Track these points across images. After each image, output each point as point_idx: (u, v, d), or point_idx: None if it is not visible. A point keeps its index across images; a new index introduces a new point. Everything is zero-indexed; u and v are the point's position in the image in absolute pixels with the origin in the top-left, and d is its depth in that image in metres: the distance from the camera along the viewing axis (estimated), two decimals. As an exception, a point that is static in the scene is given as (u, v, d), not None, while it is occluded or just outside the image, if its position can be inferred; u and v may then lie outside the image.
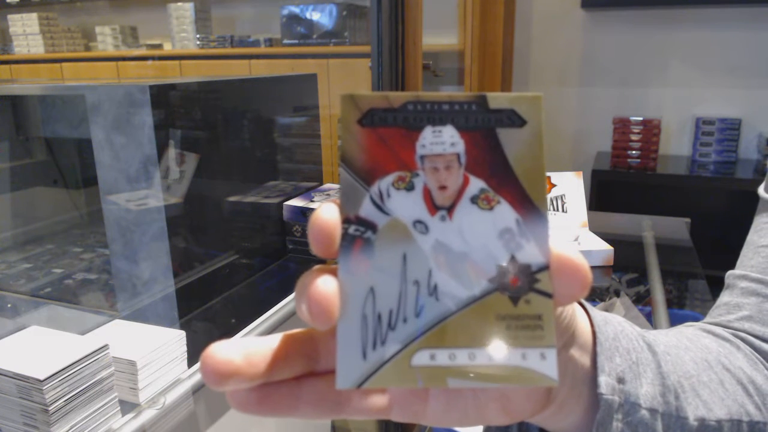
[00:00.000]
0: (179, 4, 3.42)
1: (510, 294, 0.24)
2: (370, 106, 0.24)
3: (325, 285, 0.23)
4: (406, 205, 0.24)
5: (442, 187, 0.24)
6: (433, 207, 0.24)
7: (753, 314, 0.46)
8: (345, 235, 0.23)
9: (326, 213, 0.24)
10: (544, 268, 0.24)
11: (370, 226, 0.24)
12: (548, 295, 0.24)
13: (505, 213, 0.24)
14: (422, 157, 0.24)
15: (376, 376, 0.23)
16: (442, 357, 0.23)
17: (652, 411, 0.34)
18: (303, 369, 0.26)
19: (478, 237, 0.24)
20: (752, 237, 0.52)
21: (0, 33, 4.21)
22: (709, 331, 0.45)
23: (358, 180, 0.24)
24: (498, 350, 0.23)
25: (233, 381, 0.23)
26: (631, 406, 0.33)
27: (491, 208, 0.24)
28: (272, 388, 0.25)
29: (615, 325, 0.35)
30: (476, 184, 0.24)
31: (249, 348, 0.24)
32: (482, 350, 0.23)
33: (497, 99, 0.24)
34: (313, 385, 0.25)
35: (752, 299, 0.47)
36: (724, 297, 0.50)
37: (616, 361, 0.33)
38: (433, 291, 0.24)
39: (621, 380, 0.33)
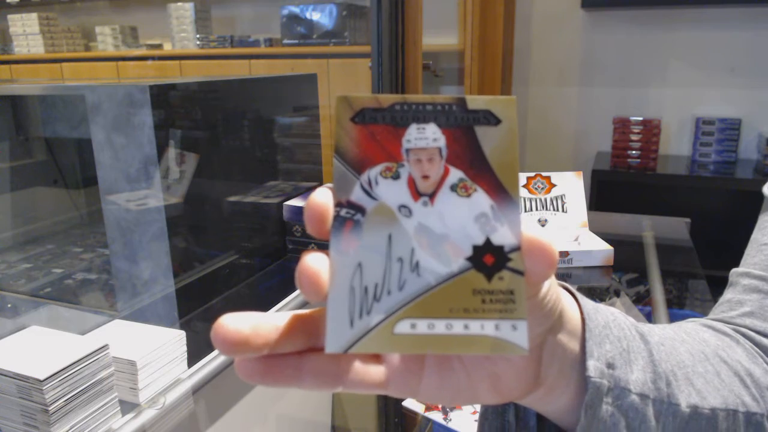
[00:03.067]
0: (179, 4, 3.42)
1: (485, 271, 0.26)
2: (362, 106, 0.27)
3: (314, 261, 0.25)
4: (392, 192, 0.27)
5: (425, 177, 0.27)
6: (416, 194, 0.27)
7: (754, 310, 0.47)
8: (337, 217, 0.26)
9: (320, 196, 0.26)
10: (516, 248, 0.26)
11: (360, 209, 0.26)
12: (520, 273, 0.26)
13: (481, 200, 0.27)
14: (407, 150, 0.27)
15: (361, 342, 0.25)
16: (422, 326, 0.26)
17: (643, 396, 0.35)
18: (305, 344, 0.27)
19: (457, 220, 0.27)
20: (756, 235, 0.53)
21: (0, 33, 4.21)
22: (709, 326, 0.46)
23: (350, 169, 0.27)
24: (473, 321, 0.26)
25: (241, 349, 0.25)
26: (621, 391, 0.34)
27: (469, 195, 0.27)
28: (277, 359, 0.26)
29: (606, 315, 0.36)
30: (456, 174, 0.27)
31: (257, 321, 0.26)
32: (459, 321, 0.26)
33: (475, 101, 0.27)
34: (315, 359, 0.27)
35: (754, 296, 0.48)
36: (727, 294, 0.50)
37: (606, 347, 0.34)
38: (415, 267, 0.26)
39: (611, 365, 0.34)
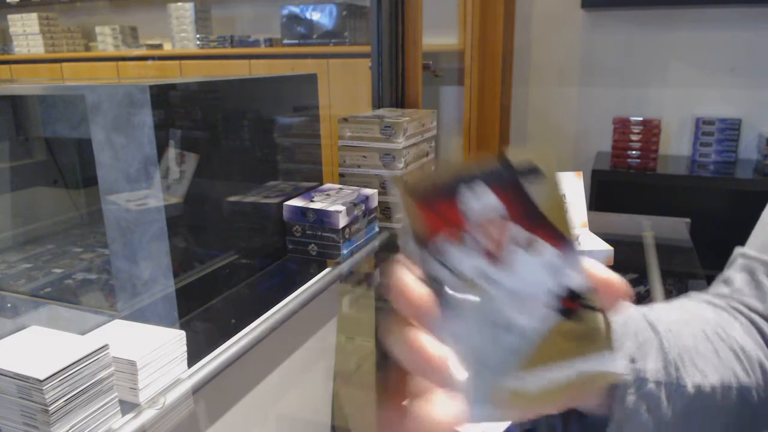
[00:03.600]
0: (179, 4, 3.42)
1: (569, 315, 0.28)
2: (419, 184, 0.28)
3: (436, 348, 0.27)
4: (467, 260, 0.28)
5: (490, 239, 0.28)
6: (488, 257, 0.28)
7: (743, 288, 0.52)
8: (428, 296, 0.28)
9: (409, 282, 0.28)
10: (588, 288, 0.28)
11: (444, 283, 0.28)
12: (598, 309, 0.29)
13: (546, 251, 0.28)
14: (468, 217, 0.28)
15: (489, 407, 0.28)
16: (532, 378, 0.28)
17: (657, 383, 0.40)
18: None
19: (530, 275, 0.28)
20: (764, 216, 0.56)
21: (0, 33, 4.21)
22: (709, 302, 0.52)
23: (424, 247, 0.28)
24: (572, 362, 0.28)
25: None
26: (641, 381, 0.39)
27: (534, 249, 0.28)
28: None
29: (622, 311, 0.40)
30: (517, 231, 0.28)
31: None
32: (560, 365, 0.28)
33: (517, 156, 0.28)
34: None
35: (745, 275, 0.53)
36: (726, 272, 0.56)
37: (627, 344, 0.39)
38: (510, 327, 0.28)
39: (632, 360, 0.39)
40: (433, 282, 0.28)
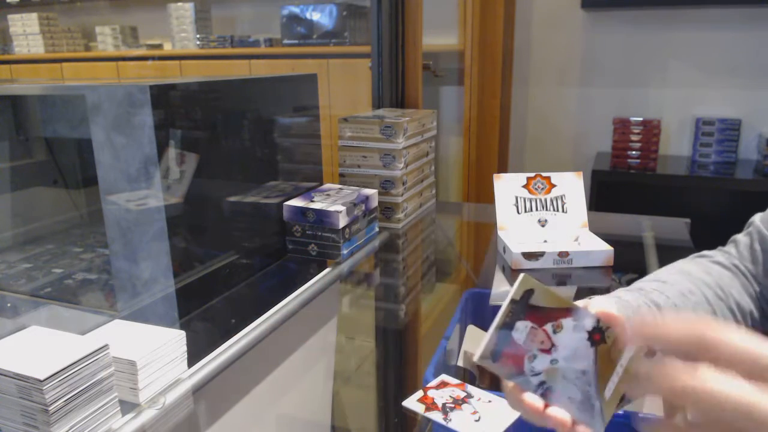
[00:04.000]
0: (179, 4, 3.42)
1: (601, 343, 0.47)
2: (483, 351, 0.46)
3: (560, 414, 0.45)
4: (541, 362, 0.47)
5: (542, 342, 0.47)
6: (547, 351, 0.47)
7: (743, 251, 0.64)
8: (545, 395, 0.47)
9: (527, 401, 0.46)
10: (598, 320, 0.47)
11: (541, 380, 0.47)
12: (610, 327, 0.47)
13: (567, 323, 0.47)
14: (523, 343, 0.46)
15: (605, 415, 0.47)
16: (611, 386, 0.47)
17: None
18: None
19: (571, 340, 0.47)
20: None
21: (0, 33, 4.21)
22: (717, 262, 0.64)
23: (518, 376, 0.46)
24: (620, 362, 0.47)
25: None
26: None
27: (562, 327, 0.47)
28: None
29: (634, 306, 0.56)
30: (549, 326, 0.47)
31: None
32: (616, 369, 0.47)
33: (516, 293, 0.46)
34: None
35: (747, 239, 0.64)
36: (738, 235, 0.67)
37: None
38: (582, 373, 0.47)
39: None
40: (535, 388, 0.46)
